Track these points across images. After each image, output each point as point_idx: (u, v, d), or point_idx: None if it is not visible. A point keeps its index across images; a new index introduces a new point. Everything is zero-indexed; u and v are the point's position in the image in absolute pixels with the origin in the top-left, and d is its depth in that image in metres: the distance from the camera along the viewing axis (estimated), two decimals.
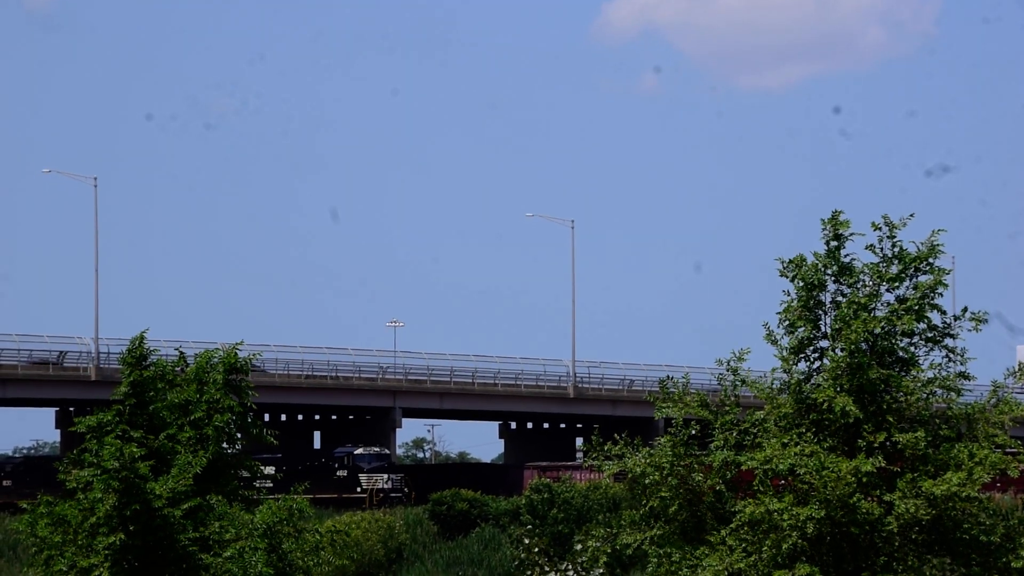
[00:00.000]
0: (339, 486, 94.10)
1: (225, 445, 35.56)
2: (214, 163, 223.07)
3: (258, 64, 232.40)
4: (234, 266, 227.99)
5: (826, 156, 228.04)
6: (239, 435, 36.51)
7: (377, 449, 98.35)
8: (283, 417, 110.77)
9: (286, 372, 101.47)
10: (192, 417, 35.14)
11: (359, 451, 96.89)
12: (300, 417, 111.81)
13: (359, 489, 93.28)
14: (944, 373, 29.96)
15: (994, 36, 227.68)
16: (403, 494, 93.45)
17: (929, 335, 30.12)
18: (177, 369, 35.86)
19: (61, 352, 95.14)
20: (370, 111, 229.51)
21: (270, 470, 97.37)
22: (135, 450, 33.36)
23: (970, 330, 30.05)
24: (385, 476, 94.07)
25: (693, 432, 30.39)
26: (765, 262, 30.63)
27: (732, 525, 29.53)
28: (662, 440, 30.45)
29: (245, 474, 36.35)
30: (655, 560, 30.08)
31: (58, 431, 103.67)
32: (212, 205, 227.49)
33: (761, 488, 29.55)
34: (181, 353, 36.29)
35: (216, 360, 35.69)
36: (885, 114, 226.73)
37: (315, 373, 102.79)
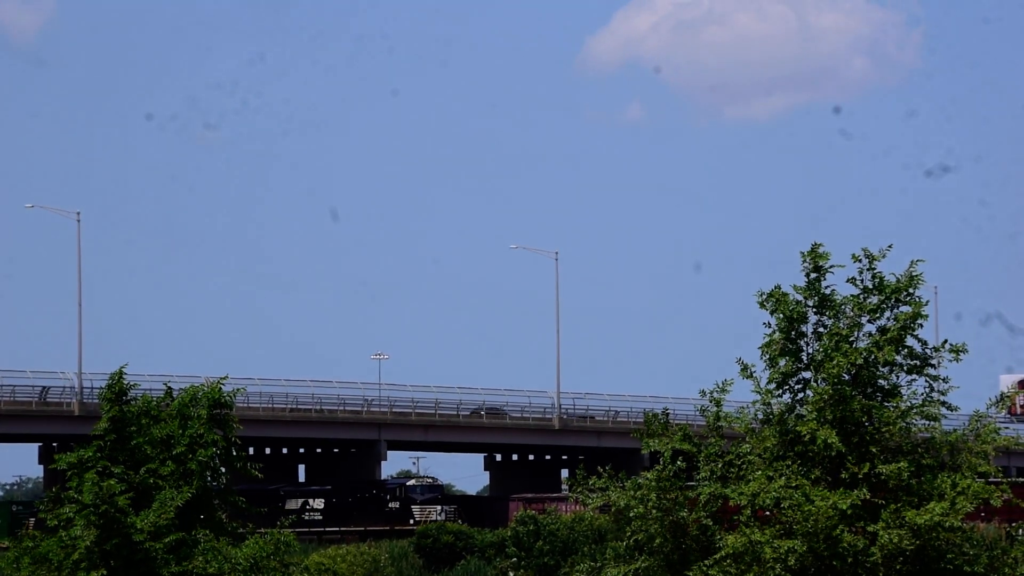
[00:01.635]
0: (391, 518, 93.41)
1: (210, 479, 35.47)
2: (214, 163, 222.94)
3: (258, 64, 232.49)
4: (217, 299, 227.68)
5: (813, 184, 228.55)
6: (223, 469, 36.43)
7: (430, 480, 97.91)
8: (267, 450, 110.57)
9: (270, 405, 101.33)
10: (174, 452, 35.07)
11: (411, 482, 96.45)
12: (285, 450, 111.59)
13: (412, 521, 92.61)
14: (929, 400, 30.04)
15: (994, 36, 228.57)
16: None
17: (910, 364, 30.20)
18: (163, 404, 35.81)
19: (44, 387, 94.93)
20: (370, 111, 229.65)
21: (319, 503, 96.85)
22: (114, 485, 33.28)
23: (950, 360, 30.16)
24: (439, 508, 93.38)
25: (680, 466, 30.40)
26: (748, 292, 30.71)
27: (716, 557, 29.53)
28: (647, 475, 30.46)
29: (237, 505, 36.22)
30: None
31: (41, 467, 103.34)
32: (212, 206, 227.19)
33: (745, 521, 29.56)
34: (168, 388, 36.23)
35: (200, 395, 35.67)
36: (885, 114, 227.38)
37: (299, 406, 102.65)
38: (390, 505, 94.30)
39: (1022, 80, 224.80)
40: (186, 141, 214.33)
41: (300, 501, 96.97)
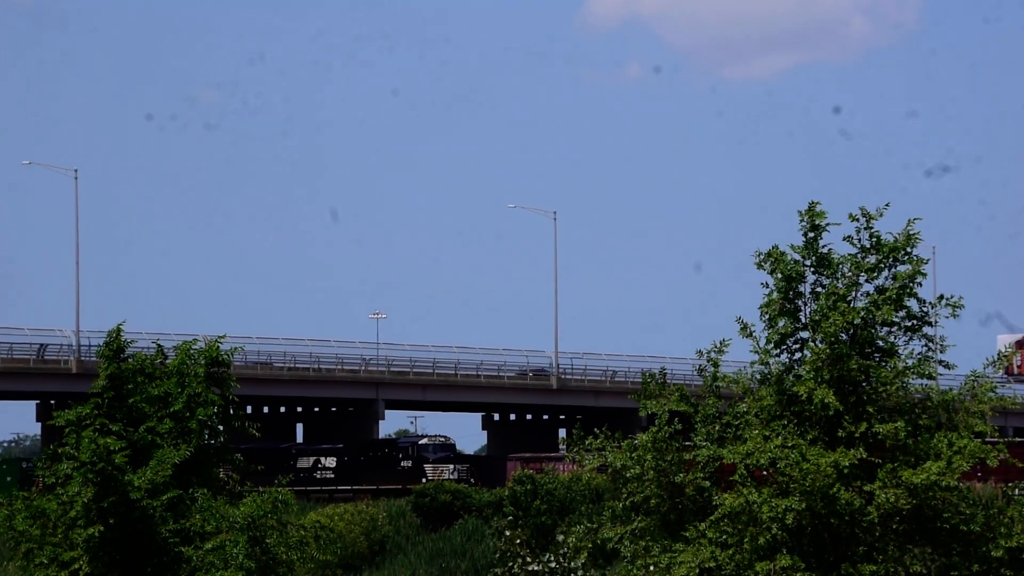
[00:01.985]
0: (403, 477, 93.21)
1: (208, 438, 35.49)
2: (214, 163, 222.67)
3: (258, 64, 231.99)
4: (217, 258, 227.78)
5: (815, 147, 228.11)
6: (222, 428, 36.45)
7: (442, 439, 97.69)
8: (265, 409, 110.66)
9: (268, 364, 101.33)
10: (172, 409, 35.07)
11: (424, 441, 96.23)
12: (282, 409, 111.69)
13: (424, 480, 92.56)
14: (926, 359, 30.02)
15: (994, 36, 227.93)
16: (469, 484, 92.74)
17: (908, 324, 30.18)
18: (157, 362, 35.78)
19: (42, 345, 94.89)
20: (370, 111, 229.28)
21: (331, 461, 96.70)
22: (112, 442, 33.29)
23: (947, 316, 30.14)
24: (451, 467, 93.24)
25: (678, 428, 30.40)
26: (747, 252, 30.66)
27: (712, 518, 29.56)
28: (643, 437, 30.47)
29: (230, 467, 36.27)
30: (630, 554, 30.11)
31: (39, 424, 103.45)
32: (210, 203, 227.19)
33: (741, 480, 29.59)
34: (159, 346, 36.21)
35: (195, 352, 35.64)
36: (885, 114, 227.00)
37: (297, 365, 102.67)
38: (403, 464, 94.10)
39: (1022, 80, 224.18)
40: (186, 141, 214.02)
41: (311, 460, 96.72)
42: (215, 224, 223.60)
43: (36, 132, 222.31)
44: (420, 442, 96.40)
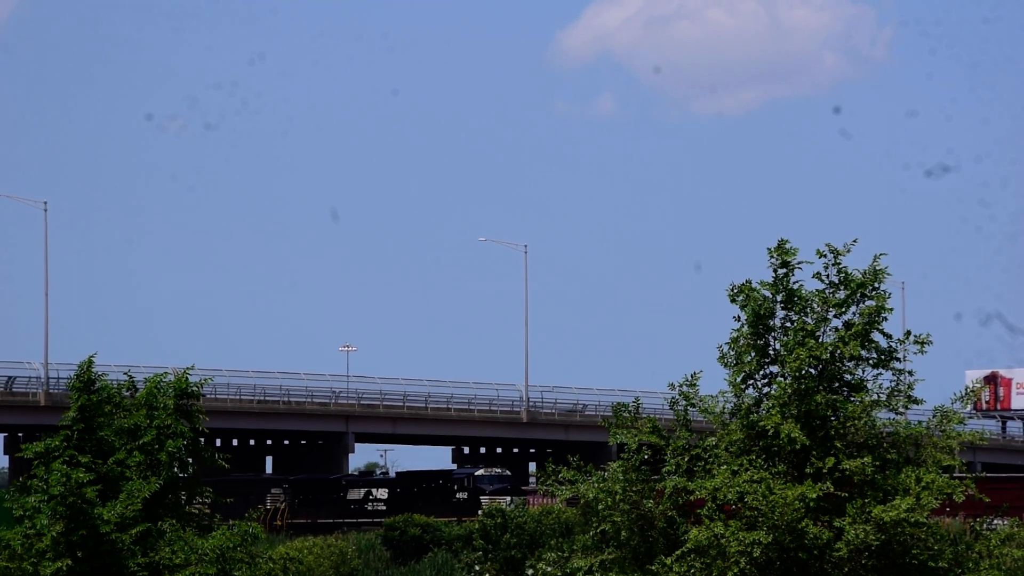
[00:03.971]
0: (458, 508, 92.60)
1: (177, 470, 35.43)
2: (214, 163, 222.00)
3: (258, 64, 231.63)
4: (184, 291, 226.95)
5: (783, 182, 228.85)
6: (191, 460, 36.40)
7: (499, 471, 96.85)
8: (235, 442, 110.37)
9: (238, 397, 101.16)
10: (141, 442, 35.00)
11: (480, 472, 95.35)
12: (252, 442, 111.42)
13: (481, 512, 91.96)
14: (895, 394, 30.15)
15: (994, 36, 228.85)
16: None
17: (875, 359, 30.33)
18: (126, 393, 35.73)
19: (10, 378, 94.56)
20: (370, 111, 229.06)
21: (383, 493, 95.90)
22: (82, 475, 33.19)
23: (915, 353, 30.29)
24: (508, 499, 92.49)
25: (645, 457, 30.46)
26: (717, 286, 30.81)
27: (678, 552, 29.60)
28: (613, 466, 30.52)
29: (200, 501, 36.18)
30: None
31: (7, 457, 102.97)
32: (210, 203, 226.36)
33: (708, 515, 29.64)
34: (130, 377, 36.17)
35: (165, 384, 35.61)
36: (885, 114, 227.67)
37: (267, 398, 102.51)
38: (458, 496, 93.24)
39: (1022, 80, 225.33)
40: (186, 141, 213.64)
41: (363, 491, 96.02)
42: (211, 224, 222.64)
43: (36, 132, 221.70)
44: (476, 473, 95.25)
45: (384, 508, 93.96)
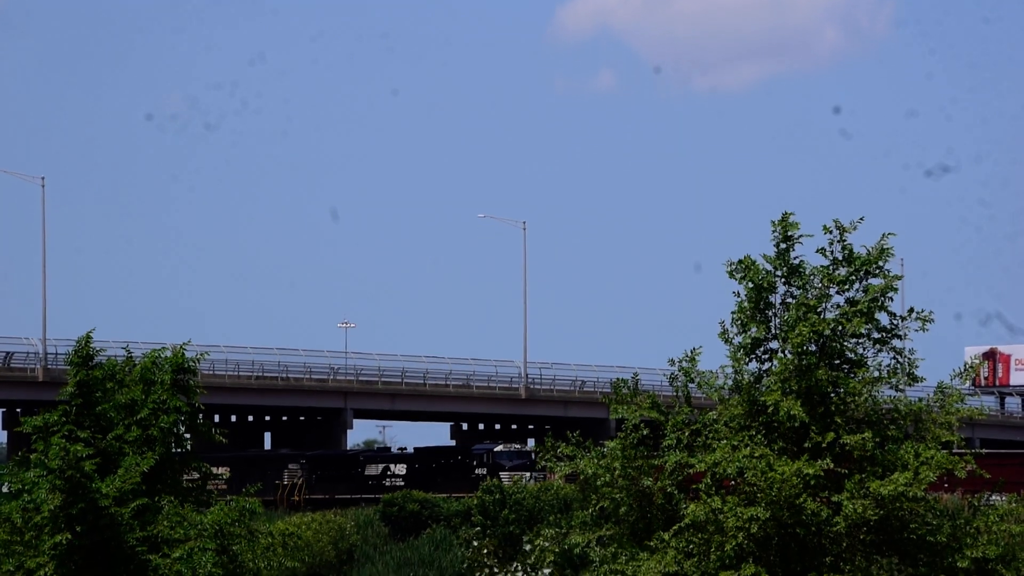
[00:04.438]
0: (477, 485, 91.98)
1: (173, 446, 35.42)
2: (214, 163, 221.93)
3: (258, 64, 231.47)
4: (186, 267, 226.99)
5: (783, 157, 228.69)
6: (188, 436, 36.39)
7: (518, 446, 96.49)
8: (233, 418, 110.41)
9: (236, 373, 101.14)
10: (138, 416, 35.00)
11: (499, 448, 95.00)
12: (250, 418, 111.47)
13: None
14: (895, 371, 30.13)
15: (994, 36, 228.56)
16: None
17: (877, 336, 30.28)
18: (126, 369, 35.71)
19: (8, 353, 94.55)
20: (370, 111, 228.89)
21: (401, 468, 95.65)
22: (80, 450, 33.20)
23: (917, 330, 30.25)
24: (528, 475, 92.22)
25: (644, 433, 30.44)
26: (717, 262, 30.75)
27: (676, 527, 29.61)
28: (612, 443, 30.51)
29: (195, 475, 36.18)
30: (598, 559, 30.14)
31: (5, 432, 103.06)
32: (209, 204, 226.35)
33: (706, 490, 29.64)
34: (129, 353, 36.15)
35: (162, 360, 35.60)
36: (884, 114, 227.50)
37: (265, 374, 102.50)
38: (477, 471, 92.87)
39: (1022, 80, 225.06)
40: (186, 141, 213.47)
41: (381, 467, 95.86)
42: (211, 223, 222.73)
43: (36, 132, 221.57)
44: (495, 449, 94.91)
45: (402, 484, 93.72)
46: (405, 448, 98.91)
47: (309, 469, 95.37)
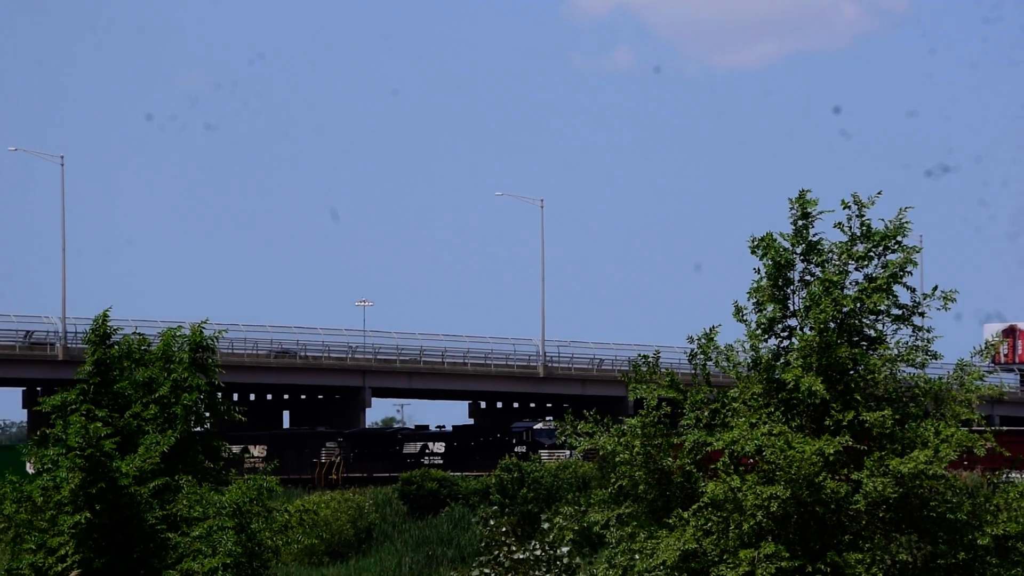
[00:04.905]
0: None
1: (193, 424, 35.46)
2: (214, 163, 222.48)
3: (258, 64, 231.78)
4: (205, 246, 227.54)
5: (807, 136, 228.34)
6: (207, 414, 36.43)
7: (557, 424, 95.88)
8: (252, 396, 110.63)
9: (255, 351, 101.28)
10: (157, 395, 35.03)
11: (539, 426, 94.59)
12: (269, 396, 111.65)
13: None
14: (915, 348, 30.03)
15: (994, 36, 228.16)
16: None
17: (896, 313, 30.18)
18: (142, 347, 35.73)
19: (28, 332, 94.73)
20: (370, 111, 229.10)
21: (440, 447, 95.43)
22: (100, 428, 33.25)
23: (939, 308, 30.14)
24: (568, 452, 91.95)
25: (665, 412, 30.38)
26: (735, 241, 30.72)
27: (695, 506, 29.58)
28: (631, 421, 30.46)
29: (218, 456, 36.17)
30: (615, 539, 30.14)
31: (25, 411, 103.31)
32: (209, 204, 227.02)
33: (724, 469, 29.60)
34: (141, 335, 36.06)
35: (180, 337, 35.62)
36: (885, 114, 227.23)
37: (284, 352, 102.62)
38: (516, 449, 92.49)
39: (1022, 80, 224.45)
40: (186, 141, 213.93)
41: (419, 445, 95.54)
42: (211, 218, 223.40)
43: (36, 134, 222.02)
44: (535, 427, 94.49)
45: (441, 462, 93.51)
46: (444, 426, 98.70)
47: (347, 447, 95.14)
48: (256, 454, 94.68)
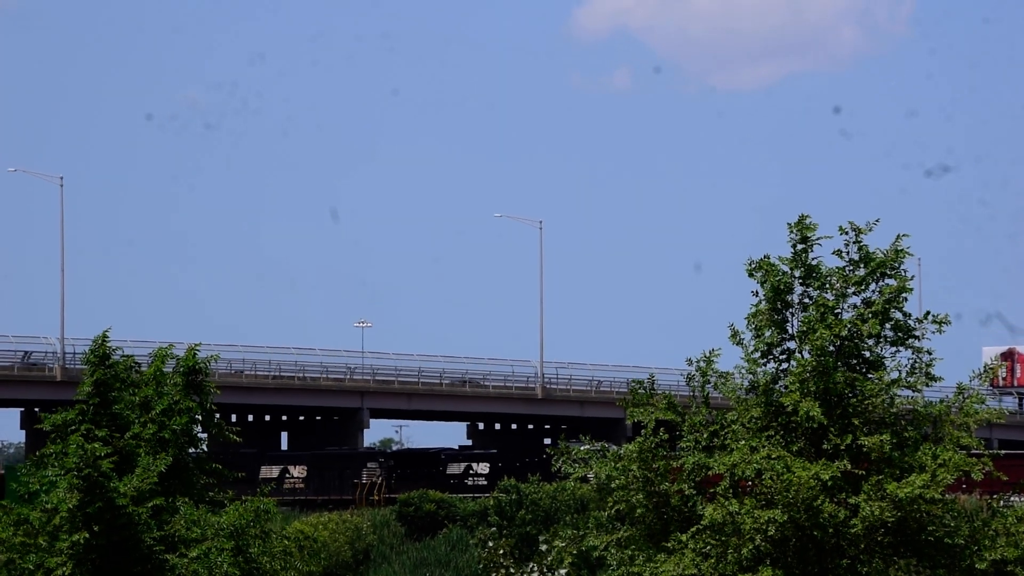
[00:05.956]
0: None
1: (188, 446, 35.43)
2: (214, 163, 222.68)
3: (258, 64, 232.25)
4: (203, 266, 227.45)
5: (806, 155, 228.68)
6: (204, 435, 36.40)
7: (603, 444, 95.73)
8: (250, 417, 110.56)
9: (253, 372, 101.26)
10: (152, 414, 35.04)
11: (585, 446, 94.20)
12: (267, 417, 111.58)
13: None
14: (913, 372, 30.05)
15: (994, 36, 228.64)
16: None
17: (893, 337, 30.21)
18: (132, 369, 35.67)
19: (26, 352, 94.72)
20: (370, 111, 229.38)
21: (484, 467, 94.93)
22: (98, 448, 33.24)
23: (933, 332, 30.16)
24: None
25: (664, 438, 30.37)
26: (732, 262, 30.75)
27: (693, 529, 29.56)
28: (629, 446, 30.46)
29: (209, 480, 36.11)
30: (616, 562, 30.11)
31: (23, 432, 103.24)
32: (209, 204, 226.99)
33: (723, 492, 29.58)
34: (129, 357, 35.92)
35: (169, 357, 35.66)
36: (885, 114, 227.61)
37: (282, 373, 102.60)
38: (563, 469, 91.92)
39: (1022, 80, 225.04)
40: (186, 141, 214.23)
41: (463, 465, 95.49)
42: (212, 224, 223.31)
43: (37, 134, 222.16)
44: (582, 447, 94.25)
45: (485, 483, 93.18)
46: (466, 447, 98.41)
47: (389, 468, 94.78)
48: (296, 475, 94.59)
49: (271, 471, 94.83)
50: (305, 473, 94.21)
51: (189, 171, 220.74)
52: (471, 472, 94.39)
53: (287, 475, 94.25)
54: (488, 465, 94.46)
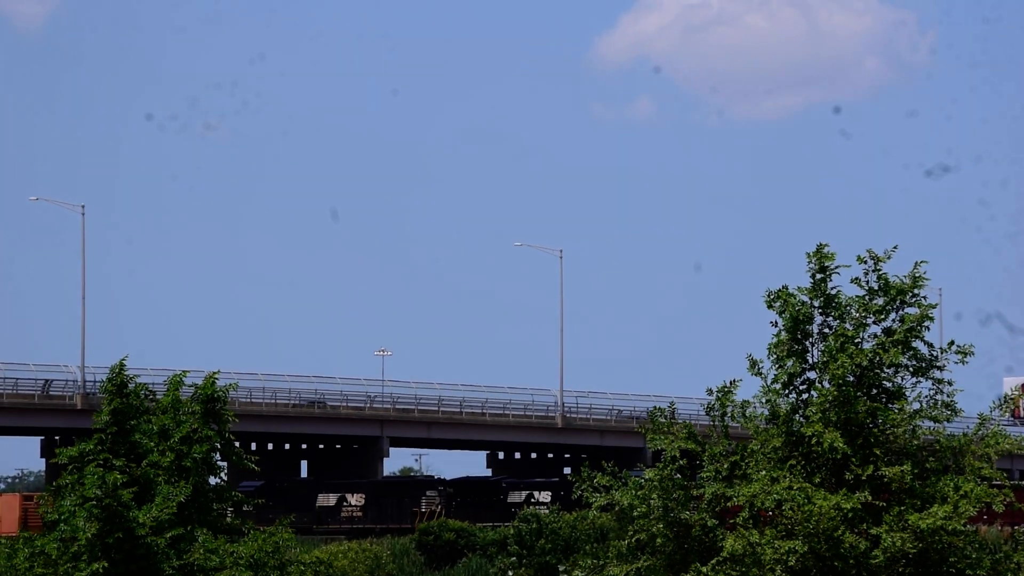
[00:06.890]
0: None
1: (208, 475, 35.37)
2: (214, 163, 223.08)
3: (258, 64, 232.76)
4: (223, 293, 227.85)
5: (823, 184, 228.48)
6: (224, 463, 36.36)
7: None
8: (270, 446, 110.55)
9: (273, 401, 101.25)
10: (171, 442, 34.97)
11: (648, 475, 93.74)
12: (287, 446, 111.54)
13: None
14: (931, 404, 29.91)
15: (994, 36, 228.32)
16: None
17: (915, 367, 30.08)
18: (146, 394, 35.58)
19: (47, 381, 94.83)
20: (370, 111, 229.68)
21: (546, 496, 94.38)
22: (118, 477, 33.20)
23: (956, 362, 30.02)
24: None
25: (682, 464, 30.26)
26: (752, 292, 30.63)
27: (714, 560, 29.41)
28: (649, 473, 30.34)
29: (230, 508, 36.04)
30: None
31: (43, 460, 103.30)
32: (211, 207, 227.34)
33: (743, 523, 29.44)
34: (144, 386, 35.80)
35: (184, 383, 35.58)
36: (885, 116, 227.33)
37: (302, 402, 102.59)
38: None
39: (1022, 80, 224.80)
40: (186, 141, 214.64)
41: (524, 494, 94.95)
42: (216, 230, 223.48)
43: (37, 135, 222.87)
44: (644, 476, 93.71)
45: (547, 512, 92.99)
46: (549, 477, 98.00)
47: (448, 496, 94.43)
48: (354, 503, 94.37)
49: (328, 499, 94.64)
50: (363, 501, 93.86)
51: (189, 171, 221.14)
52: (533, 500, 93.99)
53: (344, 503, 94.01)
54: (550, 493, 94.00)
